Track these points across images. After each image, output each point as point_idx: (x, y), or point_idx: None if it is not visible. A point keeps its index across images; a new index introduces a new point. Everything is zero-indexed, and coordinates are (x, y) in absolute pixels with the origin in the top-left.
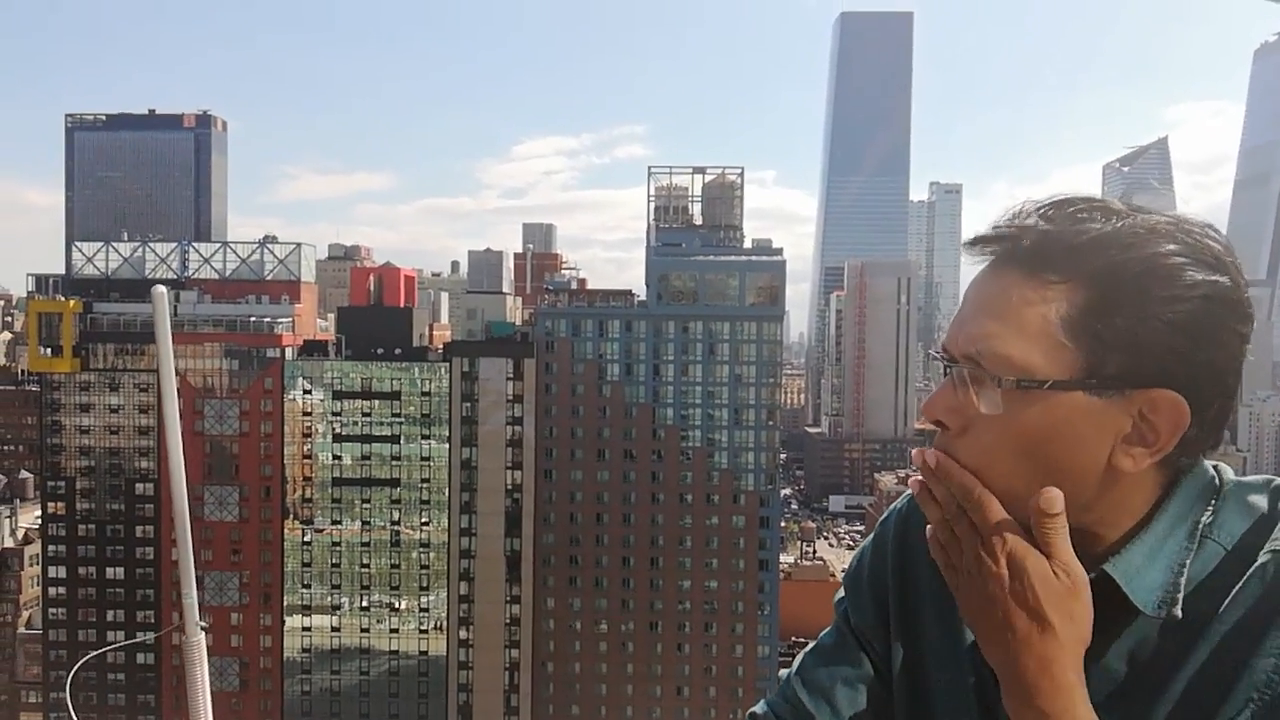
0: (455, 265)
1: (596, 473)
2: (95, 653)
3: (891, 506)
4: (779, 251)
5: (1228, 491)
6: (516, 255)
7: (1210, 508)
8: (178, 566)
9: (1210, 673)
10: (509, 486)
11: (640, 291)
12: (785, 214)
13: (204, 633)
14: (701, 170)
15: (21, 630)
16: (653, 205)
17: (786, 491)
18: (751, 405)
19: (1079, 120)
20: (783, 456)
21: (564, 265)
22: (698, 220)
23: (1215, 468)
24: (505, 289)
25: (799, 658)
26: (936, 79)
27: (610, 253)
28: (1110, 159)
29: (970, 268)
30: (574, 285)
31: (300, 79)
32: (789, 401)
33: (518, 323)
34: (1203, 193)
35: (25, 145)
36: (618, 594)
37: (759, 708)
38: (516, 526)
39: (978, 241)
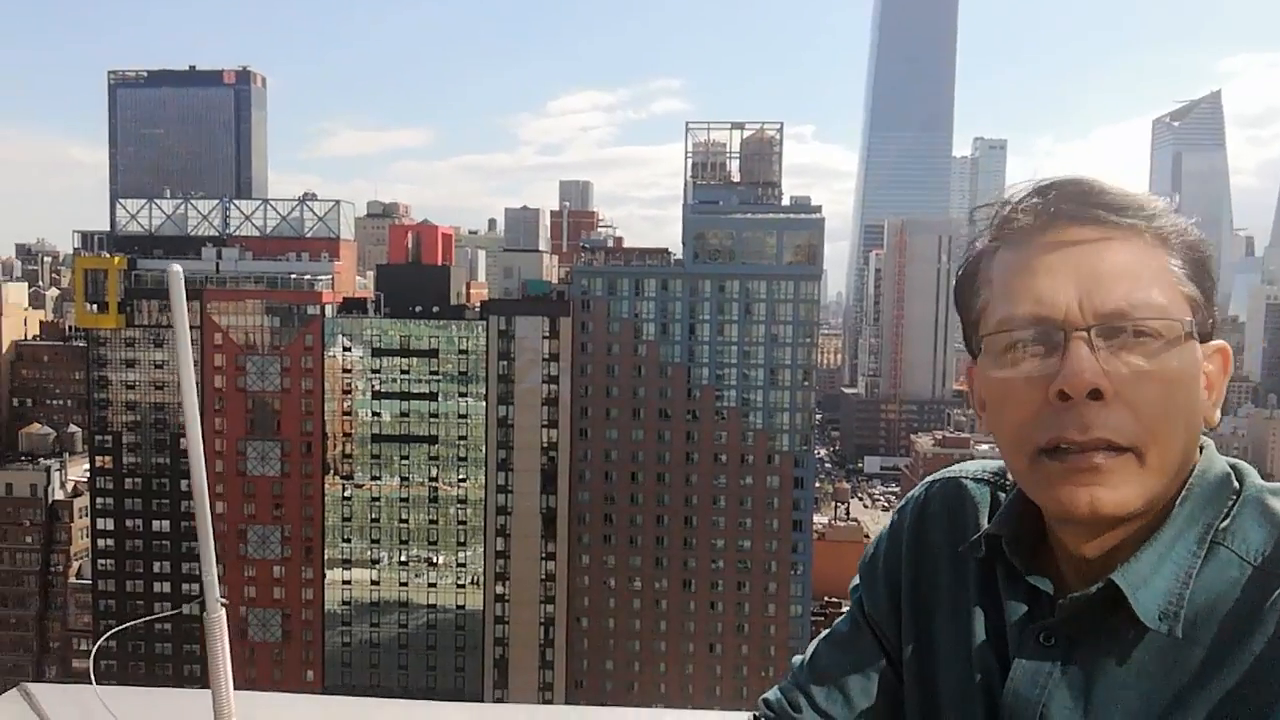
0: (492, 223)
1: (631, 432)
2: (119, 628)
3: (909, 494)
4: (817, 209)
5: (1247, 496)
6: (553, 213)
7: (1226, 511)
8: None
9: (1242, 702)
10: (544, 445)
11: (676, 250)
12: (825, 171)
13: (223, 608)
14: (740, 126)
15: (72, 580)
16: (690, 162)
17: (821, 452)
18: (787, 365)
19: (1129, 73)
20: (818, 417)
21: (600, 223)
22: (735, 177)
23: (1233, 466)
24: (542, 247)
25: (812, 645)
26: (982, 31)
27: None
28: (1160, 114)
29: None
30: (610, 243)
31: (338, 35)
32: (825, 362)
33: (554, 281)
34: (1257, 147)
35: (70, 103)
36: (651, 552)
37: (771, 694)
38: (552, 484)
39: (1066, 197)
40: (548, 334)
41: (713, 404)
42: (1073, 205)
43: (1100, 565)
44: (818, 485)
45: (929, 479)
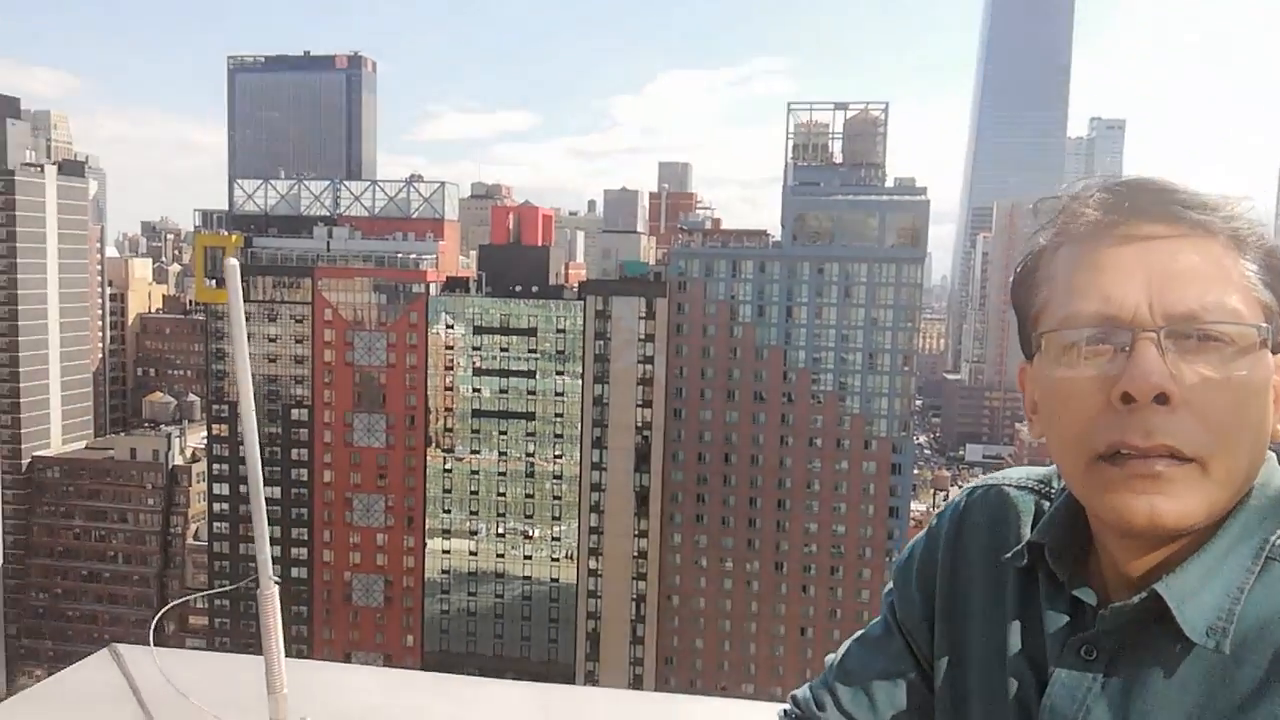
0: (592, 204)
1: (726, 413)
2: (178, 600)
3: (950, 501)
4: (922, 191)
5: None
6: (652, 194)
7: None
8: (251, 521)
9: None
10: (639, 424)
11: (775, 232)
12: (932, 151)
13: (276, 586)
14: (844, 106)
15: (190, 542)
16: (791, 143)
17: (921, 439)
18: (887, 350)
19: (1265, 54)
20: (918, 403)
21: (699, 205)
22: (838, 158)
23: None
24: (640, 228)
25: (844, 646)
26: (1101, 6)
27: (746, 192)
28: None
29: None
30: (708, 225)
31: (446, 20)
32: (928, 347)
33: (651, 262)
34: None
35: (192, 88)
36: (744, 534)
37: (801, 692)
38: (645, 463)
39: (1139, 195)
40: (644, 315)
41: (809, 387)
42: (1145, 201)
43: (1148, 580)
44: (916, 472)
45: (971, 485)
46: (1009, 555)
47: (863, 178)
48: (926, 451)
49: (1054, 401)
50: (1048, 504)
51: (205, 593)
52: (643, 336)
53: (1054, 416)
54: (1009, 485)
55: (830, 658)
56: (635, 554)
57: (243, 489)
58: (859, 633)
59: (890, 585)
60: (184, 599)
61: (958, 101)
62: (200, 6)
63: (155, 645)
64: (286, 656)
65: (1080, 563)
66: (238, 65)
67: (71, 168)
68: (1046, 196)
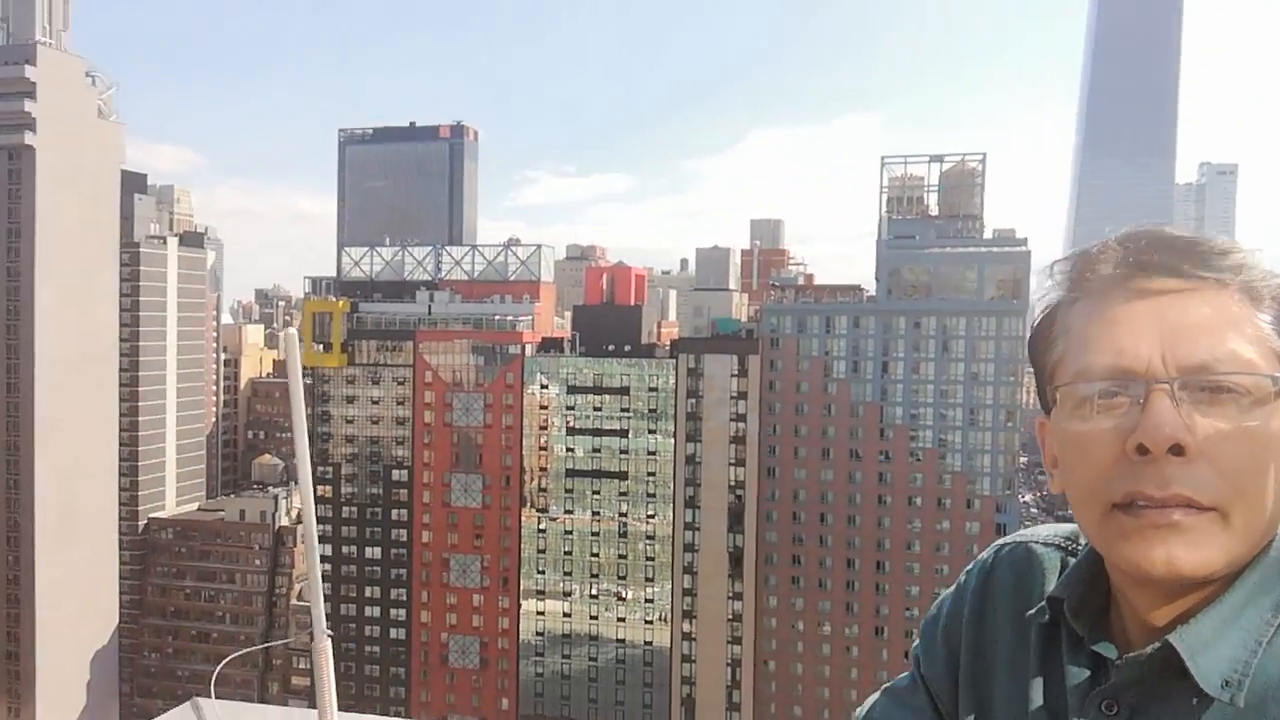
0: (684, 263)
1: (821, 472)
2: (236, 654)
3: (979, 557)
4: (1023, 241)
5: None
6: (743, 252)
7: None
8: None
9: None
10: (732, 483)
11: (870, 287)
12: (1032, 201)
13: (329, 639)
14: (939, 159)
15: (294, 601)
16: (885, 196)
17: (1027, 497)
18: (989, 405)
19: None
20: (1023, 460)
21: (791, 261)
22: (934, 210)
23: None
24: (732, 285)
25: (873, 696)
26: (1210, 46)
27: (839, 247)
28: None
29: None
30: (800, 281)
31: (543, 90)
32: (1032, 401)
33: (744, 319)
34: None
35: (305, 161)
36: (842, 596)
37: None
38: (739, 523)
39: (1160, 252)
40: (736, 372)
41: (907, 444)
42: (1157, 256)
43: (1170, 631)
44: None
45: (998, 542)
46: (1032, 612)
47: (960, 230)
48: (1033, 510)
49: (1070, 454)
50: (1073, 560)
51: (264, 646)
52: (735, 394)
53: (1071, 469)
54: (1036, 542)
55: (859, 711)
56: (730, 617)
57: (345, 550)
58: (887, 684)
59: (918, 640)
60: (241, 652)
61: (1058, 149)
62: (313, 83)
63: (238, 700)
64: (355, 710)
65: (1103, 617)
66: (347, 137)
67: (192, 239)
68: (1060, 258)
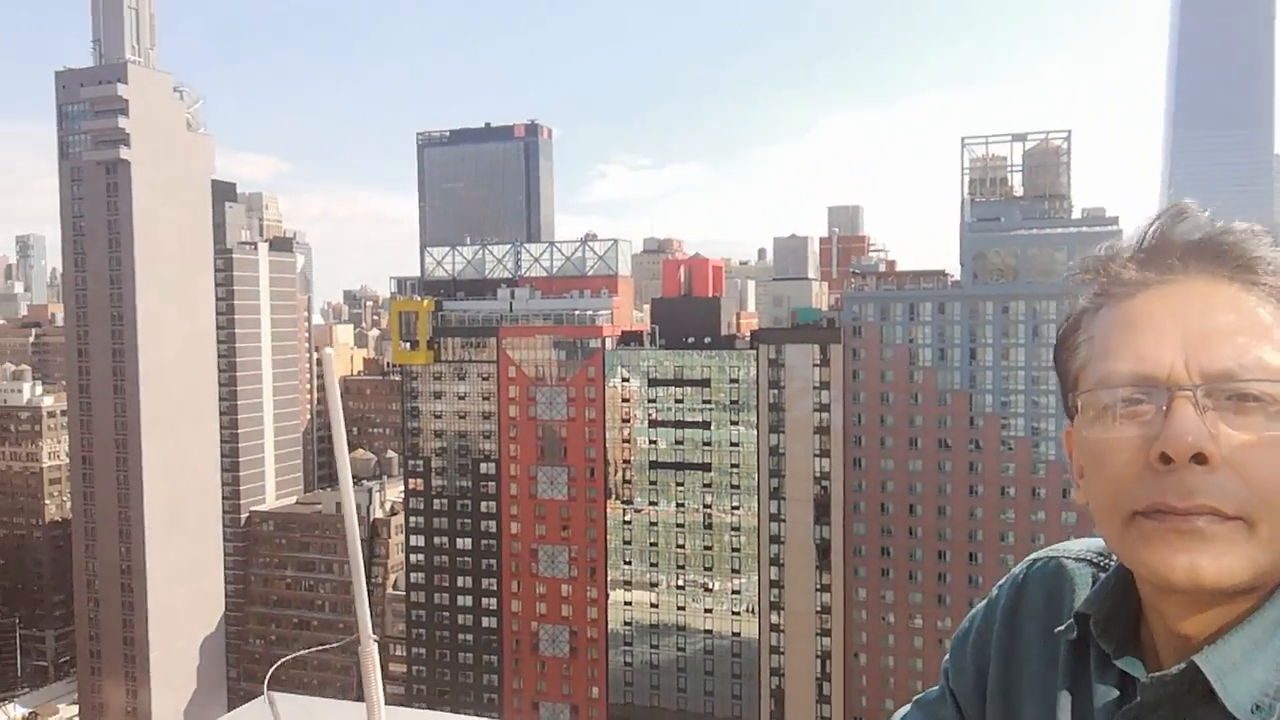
0: (762, 252)
1: (908, 462)
2: (289, 656)
3: (1011, 572)
4: (1113, 220)
5: None
6: (822, 239)
7: None
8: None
9: None
10: (817, 474)
11: (954, 271)
12: (1122, 178)
13: (375, 643)
14: (1022, 137)
15: (390, 591)
16: (967, 178)
17: None
18: None
19: None
20: None
21: (871, 247)
22: (1018, 191)
23: None
24: (811, 274)
25: (905, 708)
26: None
27: (921, 232)
28: None
29: None
30: (882, 267)
31: (617, 83)
32: None
33: (824, 308)
34: None
35: (386, 164)
36: (933, 589)
37: None
38: (826, 514)
39: (1183, 254)
40: (818, 361)
41: (998, 433)
42: (1184, 258)
43: (1201, 646)
44: None
45: (1031, 556)
46: (1061, 628)
47: (1047, 210)
48: None
49: (1092, 463)
50: (1105, 576)
51: (316, 649)
52: (818, 384)
53: (1093, 479)
54: (1068, 557)
55: (895, 717)
56: (818, 609)
57: (436, 540)
58: (919, 695)
59: (949, 654)
60: (295, 654)
61: (1147, 123)
62: (392, 89)
63: (315, 696)
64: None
65: (1132, 634)
66: (426, 140)
67: (281, 244)
68: (1089, 254)
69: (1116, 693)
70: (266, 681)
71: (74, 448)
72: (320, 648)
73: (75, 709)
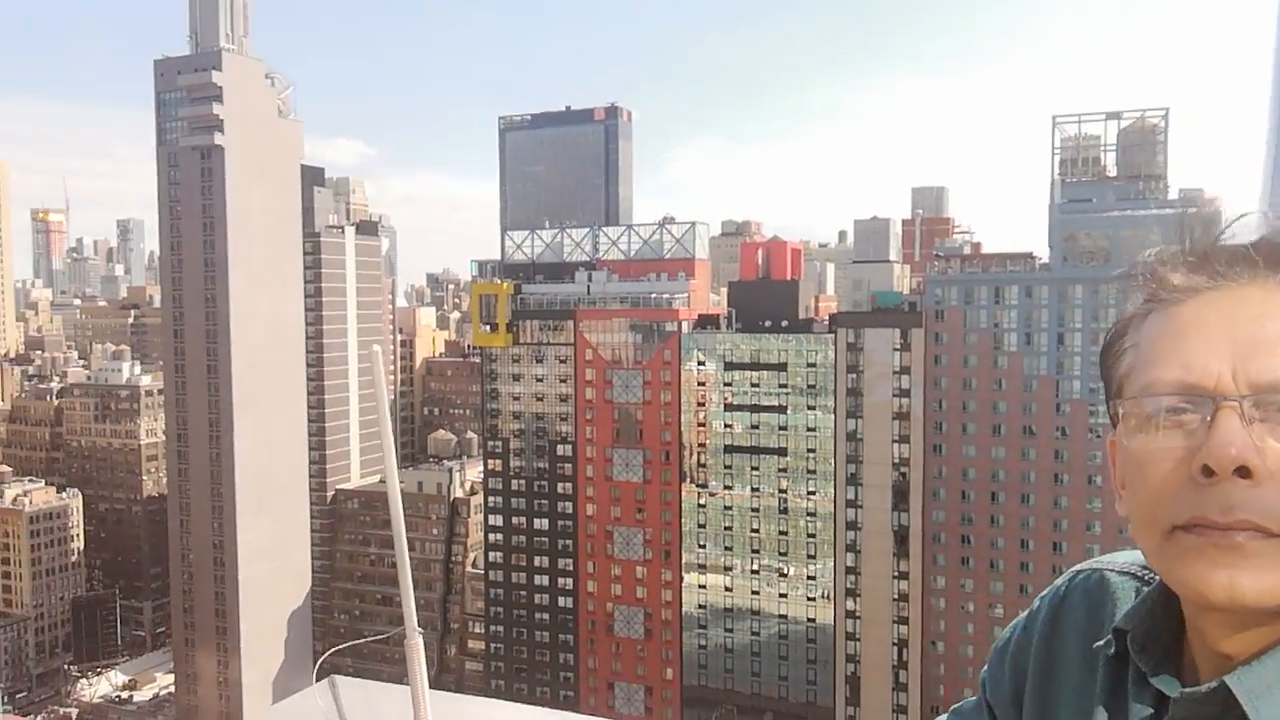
0: (842, 235)
1: (991, 449)
2: (337, 647)
3: (1055, 582)
4: (1213, 201)
5: None
6: (905, 221)
7: None
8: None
9: None
10: (896, 460)
11: (1042, 254)
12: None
13: (420, 636)
14: (1116, 115)
15: (469, 569)
16: (1058, 158)
17: None
18: None
19: None
20: None
21: (955, 229)
22: (1111, 171)
23: None
24: (892, 257)
25: (943, 716)
26: None
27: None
28: None
29: None
30: (966, 250)
31: (691, 65)
32: None
33: (905, 292)
34: None
35: (469, 149)
36: (1015, 578)
37: None
38: (904, 501)
39: (1231, 252)
40: (899, 346)
41: (1085, 420)
42: (1235, 263)
43: (1242, 665)
44: None
45: (1074, 568)
46: (1100, 643)
47: (1142, 191)
48: None
49: (1133, 473)
50: (1146, 591)
51: (361, 641)
52: (898, 369)
53: (1134, 489)
54: (1111, 570)
55: None
56: (895, 596)
57: (514, 520)
58: (955, 705)
59: (988, 664)
60: (341, 646)
61: (1250, 99)
62: (475, 74)
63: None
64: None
65: (1173, 650)
66: (507, 124)
67: (367, 228)
68: (1140, 259)
69: (1151, 711)
70: (315, 671)
71: (170, 426)
72: (367, 639)
73: (171, 678)
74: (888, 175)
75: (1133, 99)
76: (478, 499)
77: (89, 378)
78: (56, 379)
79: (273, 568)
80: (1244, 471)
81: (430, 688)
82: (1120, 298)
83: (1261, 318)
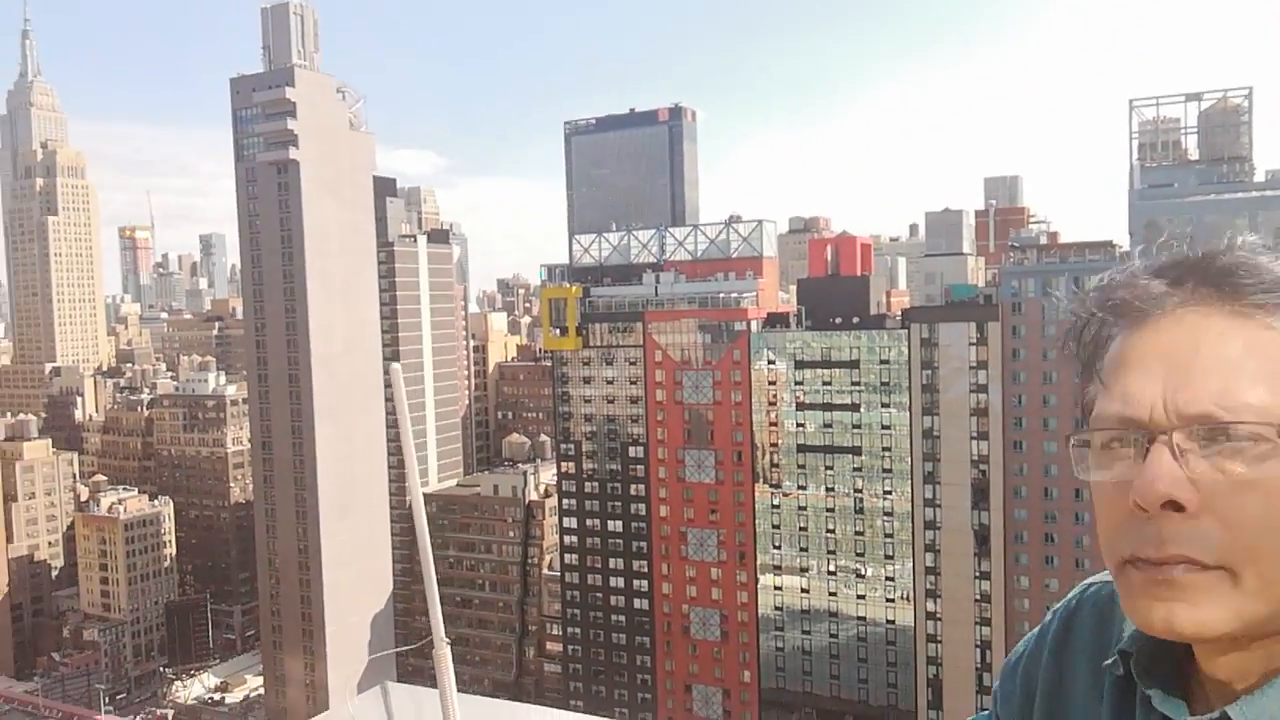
0: (913, 228)
1: None
2: (377, 654)
3: (1067, 596)
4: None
5: None
6: (978, 213)
7: None
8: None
9: None
10: (974, 457)
11: (1123, 241)
12: None
13: (448, 646)
14: (1196, 97)
15: (545, 571)
16: (1136, 142)
17: None
18: None
19: None
20: None
21: (1031, 219)
22: (1193, 154)
23: None
24: (966, 249)
25: None
26: None
27: (1087, 201)
28: None
29: None
30: (1043, 240)
31: (756, 62)
32: None
33: (980, 284)
34: None
35: (535, 155)
36: None
37: None
38: (984, 499)
39: (1172, 275)
40: (975, 340)
41: None
42: (1173, 286)
43: (1245, 692)
44: None
45: (1086, 581)
46: (1108, 662)
47: (1226, 174)
48: None
49: (1095, 505)
50: None
51: (394, 650)
52: (974, 364)
53: (1097, 520)
54: None
55: None
56: (977, 597)
57: (588, 522)
58: (968, 719)
59: (999, 679)
60: (378, 655)
61: None
62: (539, 80)
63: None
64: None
65: (1180, 672)
66: (573, 129)
67: (438, 236)
68: (1093, 285)
69: None
70: (355, 686)
71: (254, 434)
72: (400, 649)
73: (260, 680)
74: (961, 167)
75: (1214, 79)
76: (552, 501)
77: (177, 389)
78: (146, 390)
79: (355, 571)
80: (1175, 505)
81: (505, 693)
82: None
83: (1197, 343)
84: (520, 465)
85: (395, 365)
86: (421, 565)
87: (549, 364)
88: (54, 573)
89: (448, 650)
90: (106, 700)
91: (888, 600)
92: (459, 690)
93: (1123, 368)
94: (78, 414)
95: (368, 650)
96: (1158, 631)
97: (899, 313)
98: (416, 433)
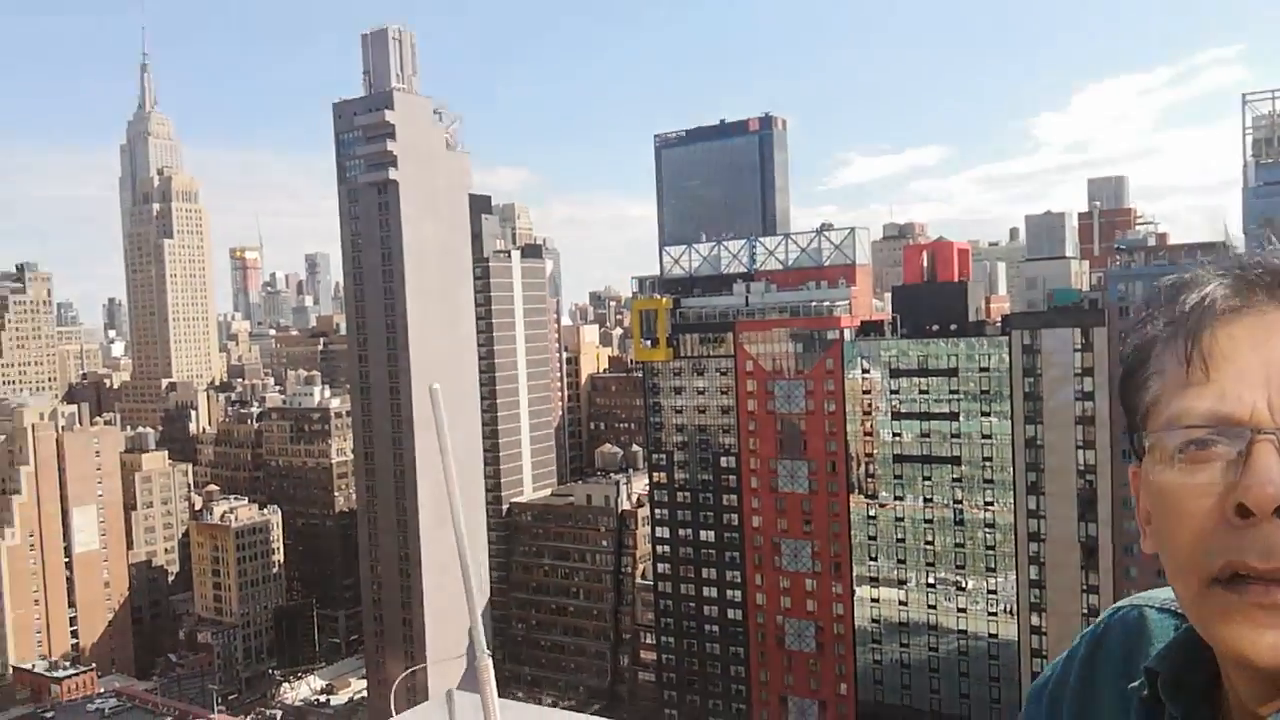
0: (1013, 233)
1: None
2: (411, 669)
3: (1097, 620)
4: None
5: None
6: (1081, 215)
7: None
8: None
9: None
10: (1081, 467)
11: (1238, 242)
12: None
13: (489, 657)
14: None
15: (639, 580)
16: (1249, 138)
17: None
18: None
19: None
20: None
21: (1138, 220)
22: None
23: None
24: (1069, 253)
25: None
26: None
27: (1198, 200)
28: None
29: None
30: (1151, 241)
31: (848, 68)
32: None
33: (1084, 289)
34: None
35: (626, 168)
36: None
37: None
38: (1091, 510)
39: (1271, 281)
40: (1079, 346)
41: None
42: (1266, 282)
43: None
44: None
45: (1115, 605)
46: (1134, 684)
47: None
48: None
49: (1162, 512)
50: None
51: (430, 663)
52: (1079, 370)
53: (1164, 530)
54: (1151, 607)
55: None
56: (1084, 611)
57: (680, 531)
58: None
59: (1027, 703)
60: (413, 669)
61: None
62: (630, 94)
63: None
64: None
65: (1209, 695)
66: (663, 141)
67: (532, 251)
68: (1163, 280)
69: None
70: (393, 694)
71: (357, 446)
72: (439, 660)
73: (364, 683)
74: (1062, 169)
75: None
76: (644, 511)
77: (284, 402)
78: (256, 404)
79: (454, 579)
80: None
81: (599, 700)
82: (1140, 321)
83: None
84: (613, 475)
85: (435, 386)
86: (463, 581)
87: (640, 375)
88: (170, 578)
89: (489, 661)
90: (219, 700)
91: (990, 614)
92: (525, 700)
93: (1211, 363)
94: (192, 427)
95: (466, 657)
96: (1264, 662)
97: (999, 319)
98: (512, 443)
